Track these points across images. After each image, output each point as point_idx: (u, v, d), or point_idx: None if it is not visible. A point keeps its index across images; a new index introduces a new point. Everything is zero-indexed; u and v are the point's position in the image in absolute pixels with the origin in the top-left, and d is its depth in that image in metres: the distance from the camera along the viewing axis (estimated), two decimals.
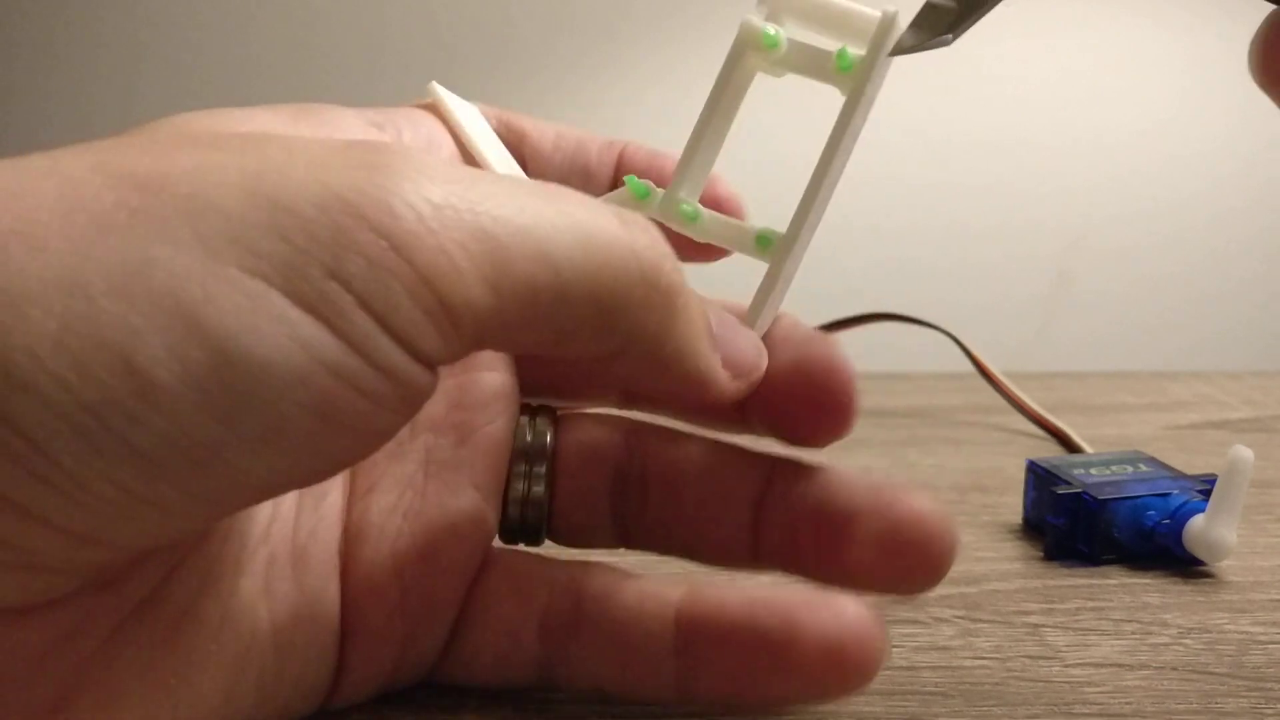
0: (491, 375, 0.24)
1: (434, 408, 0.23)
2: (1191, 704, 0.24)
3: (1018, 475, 0.35)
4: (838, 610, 0.21)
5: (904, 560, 0.22)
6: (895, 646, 0.26)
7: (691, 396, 0.22)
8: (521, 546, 0.24)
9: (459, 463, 0.23)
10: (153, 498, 0.16)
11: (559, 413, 0.25)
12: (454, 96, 0.26)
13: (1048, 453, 0.41)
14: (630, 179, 0.24)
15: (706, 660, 0.22)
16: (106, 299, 0.15)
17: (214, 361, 0.15)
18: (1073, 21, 0.66)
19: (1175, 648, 0.26)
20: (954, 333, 0.45)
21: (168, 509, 0.16)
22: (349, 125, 0.24)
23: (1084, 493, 0.31)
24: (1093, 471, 0.33)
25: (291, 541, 0.22)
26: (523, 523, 0.24)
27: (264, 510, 0.21)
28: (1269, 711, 0.24)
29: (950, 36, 0.20)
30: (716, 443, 0.24)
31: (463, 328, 0.17)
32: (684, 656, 0.22)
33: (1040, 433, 0.43)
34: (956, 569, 0.31)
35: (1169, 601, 0.29)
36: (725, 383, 0.21)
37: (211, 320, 0.15)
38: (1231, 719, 0.23)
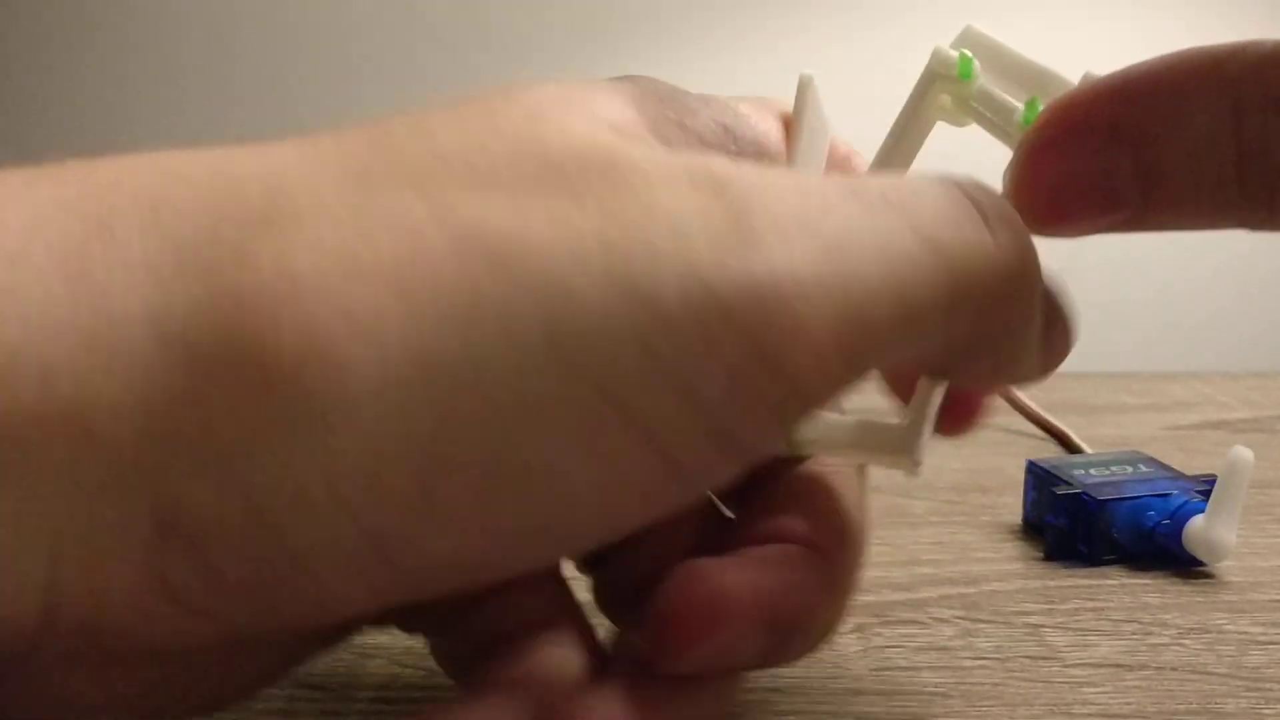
0: None
1: None
2: (1191, 704, 0.24)
3: (1017, 476, 0.35)
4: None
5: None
6: (895, 647, 0.26)
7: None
8: None
9: None
10: (396, 600, 0.16)
11: None
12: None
13: (1047, 453, 0.41)
14: None
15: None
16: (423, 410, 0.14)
17: (522, 482, 0.14)
18: (1074, 21, 0.67)
19: (1175, 648, 0.26)
20: None
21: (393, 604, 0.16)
22: (701, 124, 0.19)
23: (1084, 493, 0.31)
24: (1092, 472, 0.33)
25: None
26: None
27: None
28: (1268, 712, 0.24)
29: None
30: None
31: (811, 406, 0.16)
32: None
33: (1040, 433, 0.43)
34: (956, 569, 0.31)
35: (1169, 602, 0.29)
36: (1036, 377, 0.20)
37: (531, 450, 0.14)
38: (1231, 719, 0.23)
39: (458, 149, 0.15)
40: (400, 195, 0.14)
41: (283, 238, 0.14)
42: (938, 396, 0.21)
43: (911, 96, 0.21)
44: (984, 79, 0.21)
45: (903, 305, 0.15)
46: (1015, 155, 0.19)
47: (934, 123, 0.22)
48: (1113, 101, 0.18)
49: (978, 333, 0.17)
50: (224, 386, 0.13)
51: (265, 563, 0.14)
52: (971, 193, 0.17)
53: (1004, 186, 0.19)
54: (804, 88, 0.21)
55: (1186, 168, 0.17)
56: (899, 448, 0.20)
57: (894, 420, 0.21)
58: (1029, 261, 0.17)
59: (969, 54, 0.21)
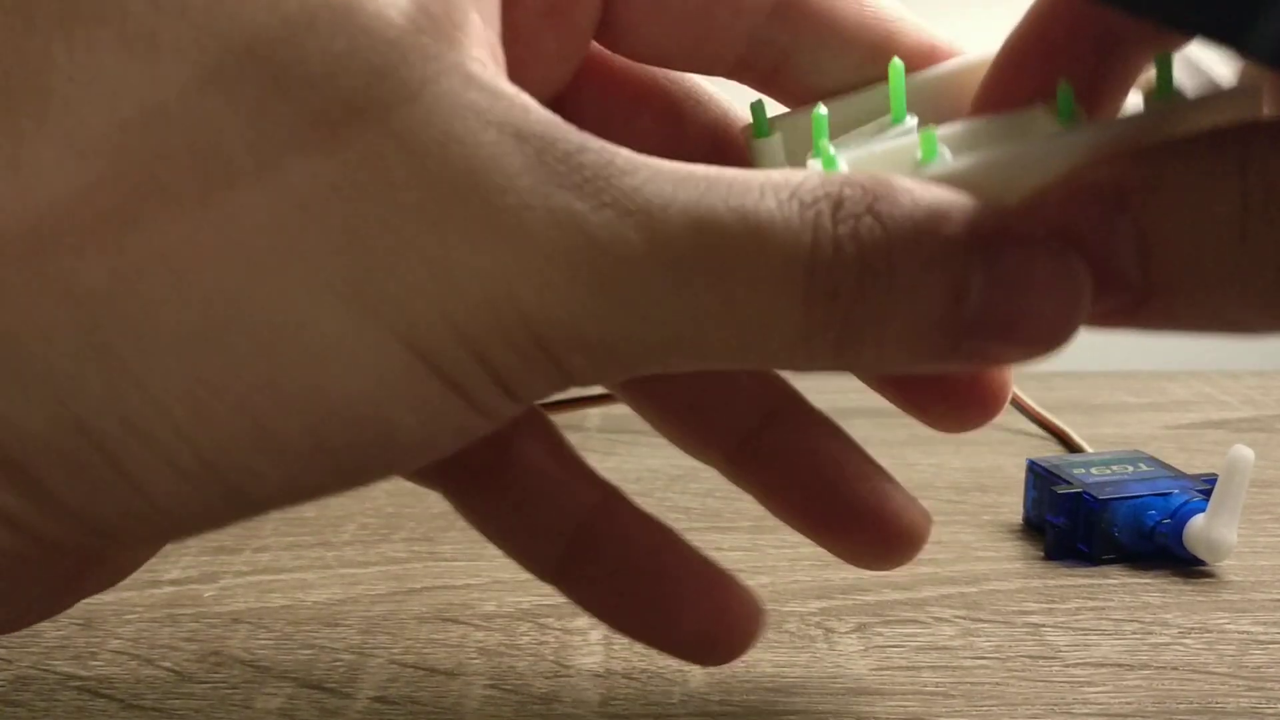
0: None
1: None
2: (1192, 704, 0.24)
3: (1018, 475, 0.35)
4: (731, 603, 0.22)
5: (874, 552, 0.23)
6: (895, 646, 0.26)
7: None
8: None
9: None
10: (230, 521, 0.16)
11: None
12: None
13: (1048, 452, 0.41)
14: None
15: (588, 572, 0.22)
16: (250, 362, 0.14)
17: (349, 429, 0.15)
18: None
19: (1176, 647, 0.26)
20: None
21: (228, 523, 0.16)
22: None
23: (1084, 492, 0.31)
24: (1093, 471, 0.33)
25: None
26: None
27: None
28: (1269, 711, 0.24)
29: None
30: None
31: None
32: (574, 551, 0.22)
33: (1040, 432, 0.43)
34: (957, 568, 0.31)
35: (1169, 601, 0.29)
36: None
37: (354, 393, 0.15)
38: (1232, 719, 0.23)
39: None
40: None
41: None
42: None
43: None
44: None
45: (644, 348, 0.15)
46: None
47: None
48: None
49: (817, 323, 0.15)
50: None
51: (101, 486, 0.14)
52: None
53: None
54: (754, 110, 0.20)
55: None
56: None
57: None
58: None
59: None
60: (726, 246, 0.14)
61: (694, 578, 0.22)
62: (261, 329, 0.14)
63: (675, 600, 0.21)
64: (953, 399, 0.22)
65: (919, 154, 0.17)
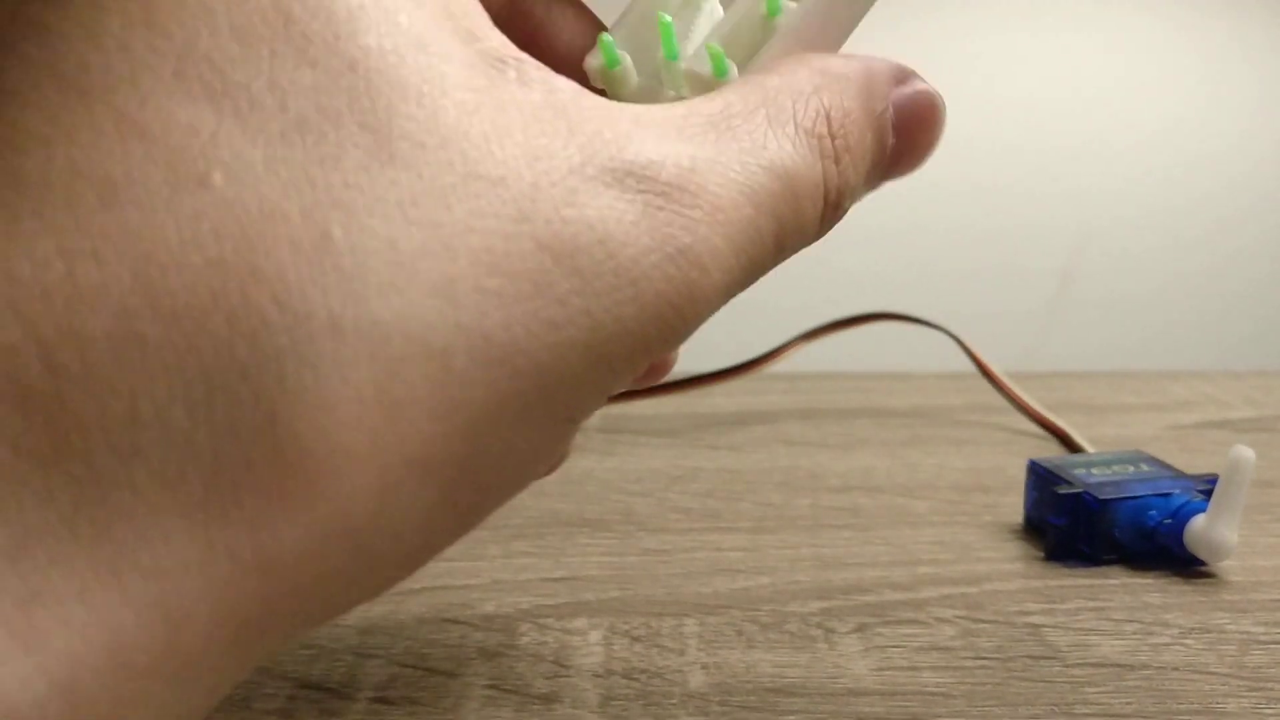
0: None
1: None
2: (1192, 704, 0.24)
3: (1019, 475, 0.35)
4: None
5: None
6: (896, 647, 0.26)
7: None
8: None
9: None
10: None
11: None
12: None
13: (1049, 452, 0.41)
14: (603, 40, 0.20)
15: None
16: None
17: None
18: (1077, 23, 0.66)
19: (1176, 648, 0.26)
20: (956, 333, 0.45)
21: None
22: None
23: (1085, 493, 0.31)
24: (1094, 471, 0.33)
25: None
26: None
27: None
28: (1270, 712, 0.24)
29: None
30: None
31: None
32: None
33: (1041, 432, 0.43)
34: (957, 569, 0.31)
35: (1170, 601, 0.29)
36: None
37: None
38: (1232, 719, 0.23)
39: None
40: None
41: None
42: None
43: None
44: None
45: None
46: None
47: None
48: None
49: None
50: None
51: (336, 573, 0.14)
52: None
53: None
54: None
55: None
56: None
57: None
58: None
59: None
60: (775, 203, 0.17)
61: None
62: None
63: None
64: None
65: (764, 9, 0.19)
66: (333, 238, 0.13)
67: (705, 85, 0.19)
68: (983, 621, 0.28)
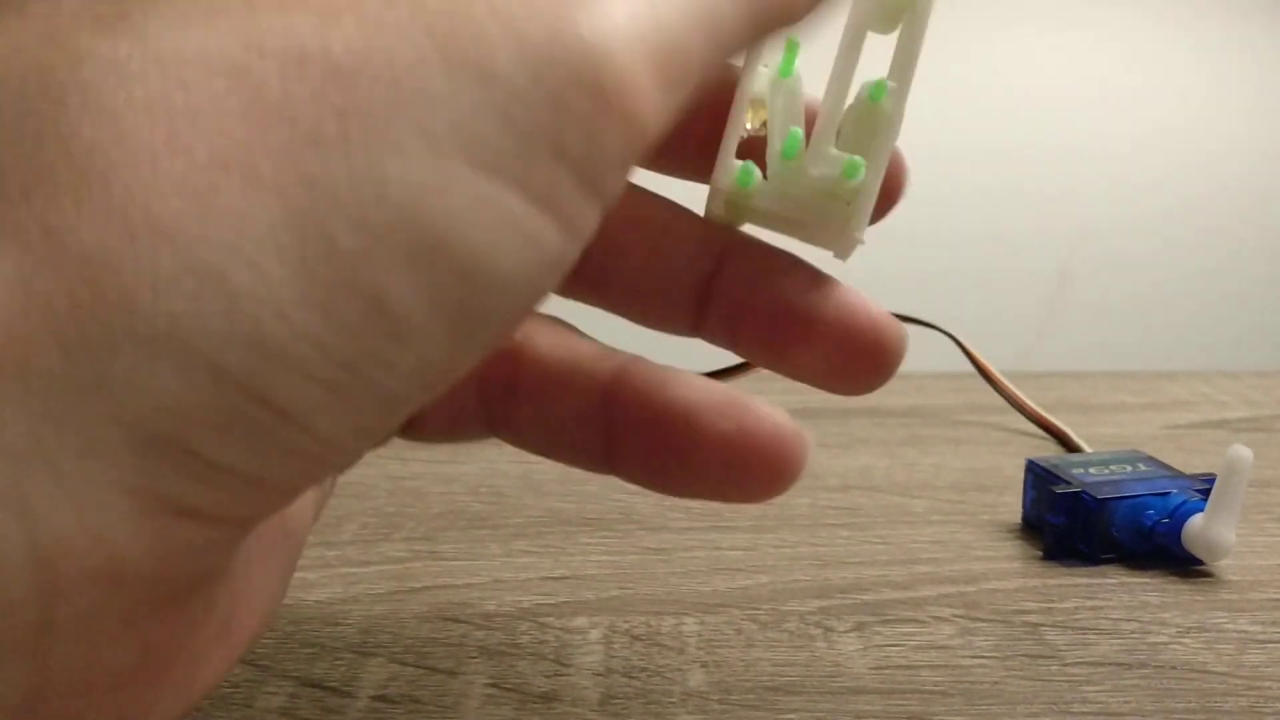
0: None
1: None
2: (1190, 703, 0.24)
3: (1017, 475, 0.35)
4: (747, 419, 0.20)
5: (855, 367, 0.22)
6: (894, 646, 0.26)
7: None
8: None
9: None
10: (384, 432, 0.15)
11: None
12: None
13: (1047, 452, 0.41)
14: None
15: (625, 441, 0.21)
16: (347, 235, 0.13)
17: (461, 285, 0.14)
18: (1075, 25, 0.67)
19: (1174, 647, 0.27)
20: (954, 333, 0.46)
21: (381, 437, 0.15)
22: None
23: (1083, 492, 0.31)
24: (1092, 471, 0.33)
25: None
26: None
27: None
28: (1268, 711, 0.24)
29: None
30: (673, 205, 0.22)
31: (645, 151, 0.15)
32: (609, 432, 0.21)
33: (1039, 432, 0.43)
34: (955, 568, 0.31)
35: (1168, 601, 0.29)
36: None
37: (457, 240, 0.13)
38: (1230, 718, 0.23)
39: None
40: (193, 39, 0.13)
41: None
42: (877, 177, 0.20)
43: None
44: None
45: (714, 39, 0.15)
46: None
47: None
48: None
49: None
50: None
51: (257, 433, 0.13)
52: None
53: None
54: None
55: None
56: (840, 225, 0.20)
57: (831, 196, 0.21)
58: None
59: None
60: None
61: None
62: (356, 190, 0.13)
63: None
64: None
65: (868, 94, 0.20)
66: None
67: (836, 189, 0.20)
68: (981, 620, 0.28)
